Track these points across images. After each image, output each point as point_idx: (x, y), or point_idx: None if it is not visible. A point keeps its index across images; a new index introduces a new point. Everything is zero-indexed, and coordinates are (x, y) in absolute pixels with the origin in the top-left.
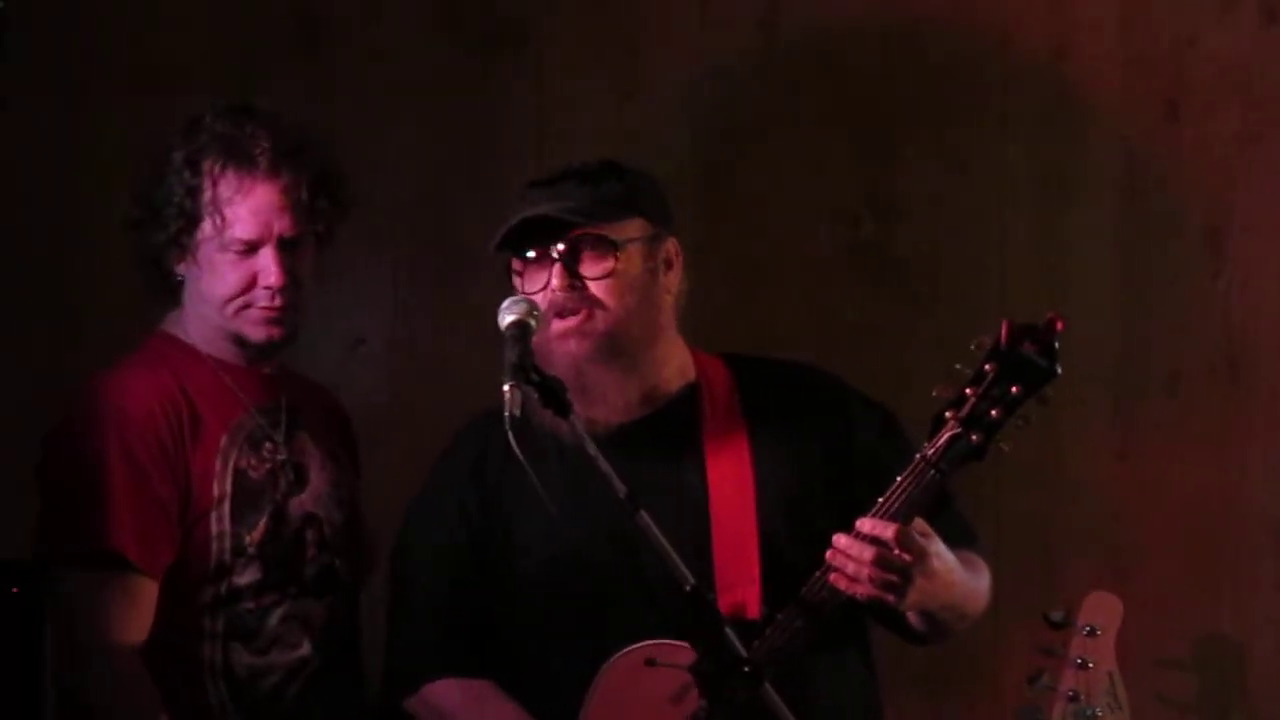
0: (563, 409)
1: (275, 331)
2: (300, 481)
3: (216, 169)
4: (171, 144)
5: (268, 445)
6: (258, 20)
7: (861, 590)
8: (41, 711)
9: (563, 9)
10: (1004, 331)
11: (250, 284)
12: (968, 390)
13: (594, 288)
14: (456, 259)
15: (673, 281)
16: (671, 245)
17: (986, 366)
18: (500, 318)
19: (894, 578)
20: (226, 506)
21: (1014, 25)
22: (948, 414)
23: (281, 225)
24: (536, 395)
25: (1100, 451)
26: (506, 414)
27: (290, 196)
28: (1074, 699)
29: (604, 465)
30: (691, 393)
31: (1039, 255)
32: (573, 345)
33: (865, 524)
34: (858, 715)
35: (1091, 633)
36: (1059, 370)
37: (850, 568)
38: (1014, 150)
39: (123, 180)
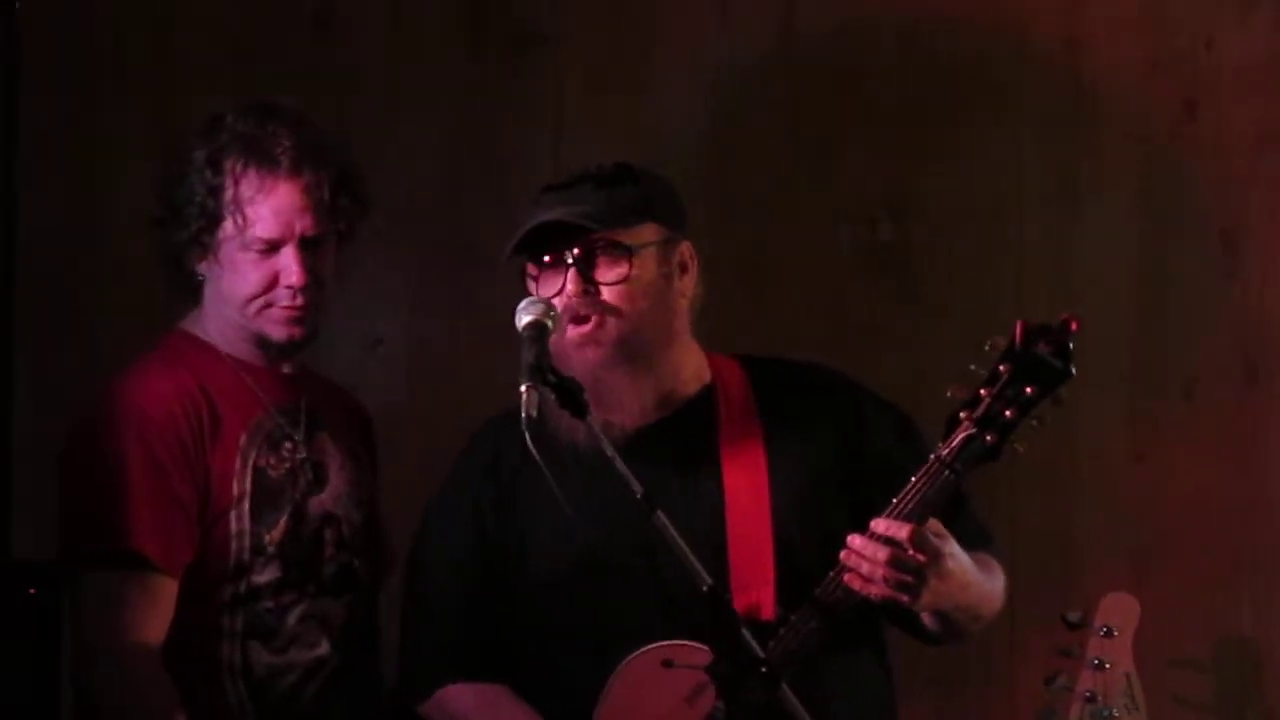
0: (580, 410)
1: (296, 331)
2: (320, 481)
3: (238, 168)
4: (193, 143)
5: (287, 444)
6: (277, 21)
7: (876, 591)
8: (59, 712)
9: (580, 11)
10: (1018, 332)
11: (272, 283)
12: (982, 391)
13: (608, 293)
14: (473, 260)
15: (687, 285)
16: (686, 249)
17: (1001, 367)
18: (517, 318)
19: (908, 578)
20: (246, 505)
21: (1031, 26)
22: (962, 414)
23: (303, 224)
24: (553, 396)
25: (1117, 453)
26: (523, 415)
27: (312, 196)
28: (1091, 700)
29: (621, 466)
30: (707, 395)
31: (1055, 256)
32: (589, 353)
33: (880, 524)
34: (872, 716)
35: (1108, 633)
36: (1073, 371)
37: (865, 568)
38: (1030, 151)
39: (140, 179)
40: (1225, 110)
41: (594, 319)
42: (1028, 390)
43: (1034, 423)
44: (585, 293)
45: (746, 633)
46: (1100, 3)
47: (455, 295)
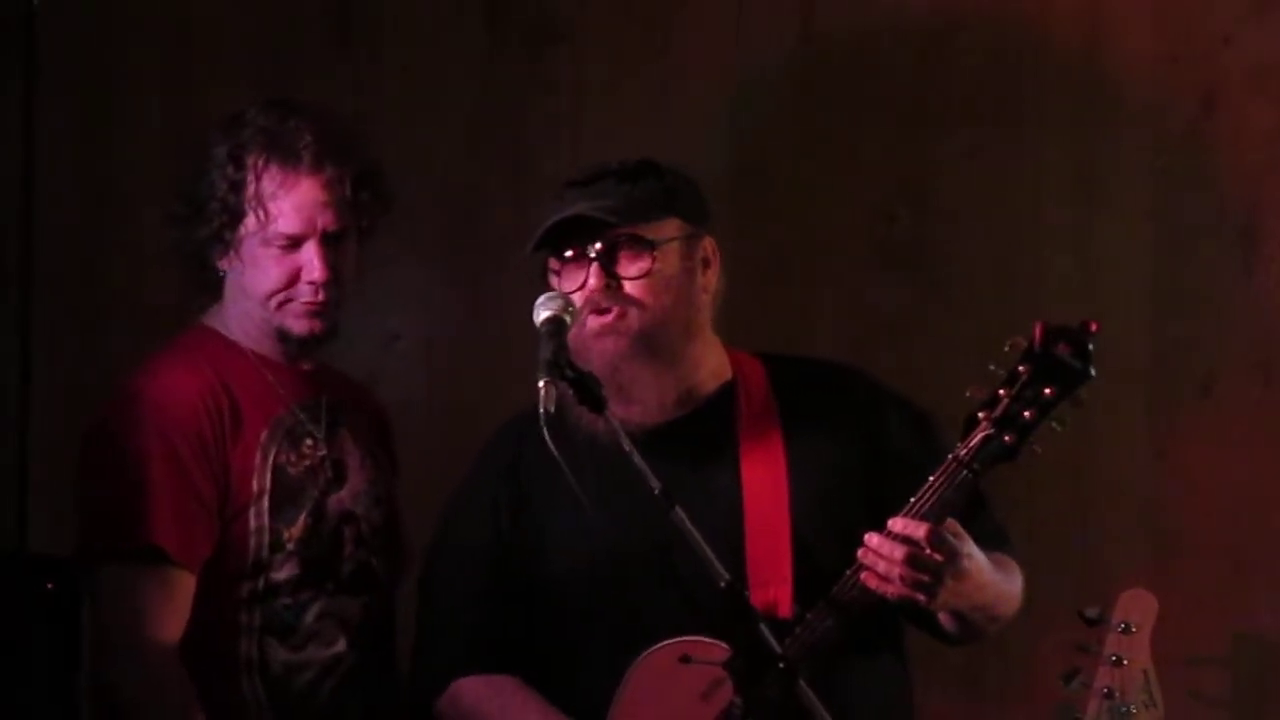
0: (597, 405)
1: (317, 325)
2: (339, 479)
3: (260, 163)
4: (214, 138)
5: (308, 442)
6: (295, 16)
7: (892, 590)
8: (77, 705)
9: (599, 7)
10: (1038, 333)
11: (293, 279)
12: (1001, 391)
13: (630, 287)
14: (491, 256)
15: (710, 280)
16: (708, 244)
17: (1020, 368)
18: (535, 314)
19: (925, 577)
20: (265, 502)
21: (1049, 23)
22: (981, 414)
23: (325, 220)
24: (571, 391)
25: (1135, 450)
26: (541, 410)
27: (334, 191)
28: (1109, 696)
29: (639, 461)
30: (728, 392)
31: (1073, 253)
32: (609, 343)
33: (897, 523)
34: (890, 713)
35: (1126, 630)
36: (1093, 373)
37: (881, 566)
38: (1048, 148)
39: (157, 176)
40: (1243, 107)
41: (615, 310)
42: (1047, 391)
43: (1054, 425)
44: (608, 287)
45: (764, 628)
46: (1117, 0)
47: (473, 291)
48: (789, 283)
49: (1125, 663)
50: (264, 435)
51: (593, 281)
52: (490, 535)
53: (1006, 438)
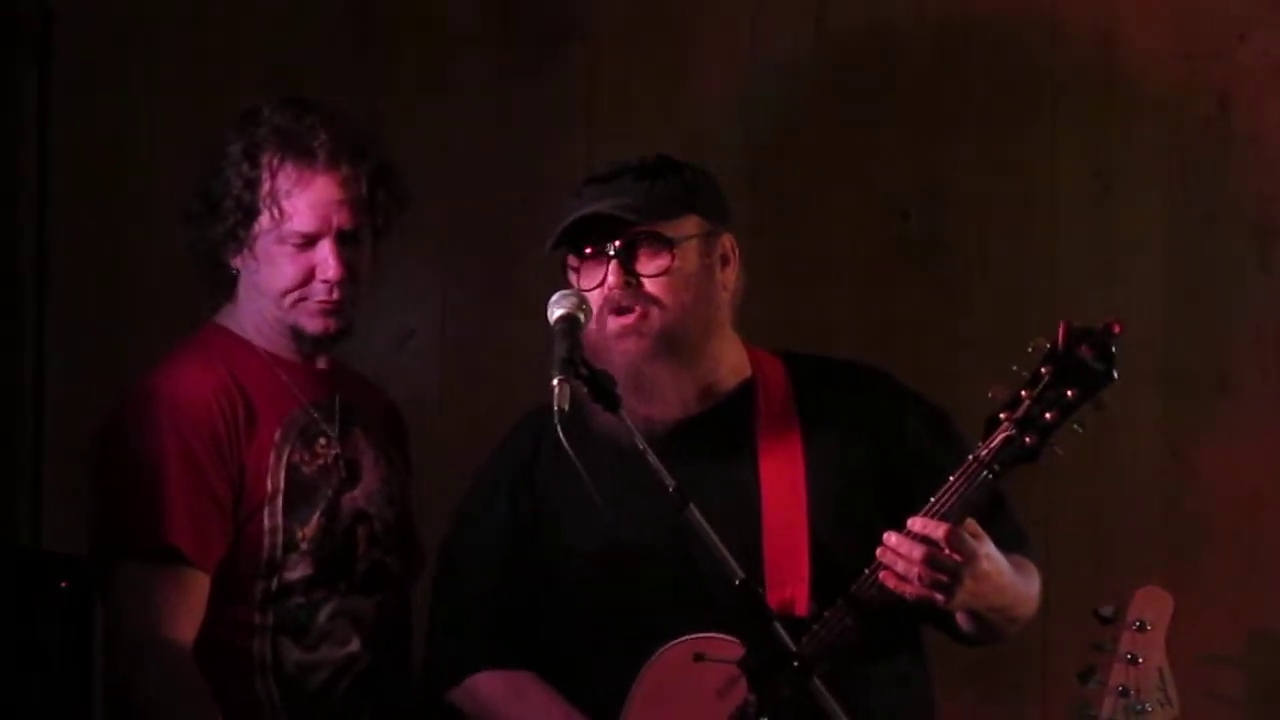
0: (611, 403)
1: (331, 323)
2: (353, 478)
3: (275, 161)
4: (229, 137)
5: (321, 441)
6: (310, 18)
7: (910, 589)
8: (91, 704)
9: (614, 5)
10: (1061, 334)
11: (308, 277)
12: (1023, 392)
13: (650, 285)
14: (506, 253)
15: (729, 278)
16: (728, 241)
17: (1043, 369)
18: (549, 312)
19: (943, 577)
20: (279, 502)
21: (1064, 19)
22: (1002, 415)
23: (340, 218)
24: (585, 389)
25: (1150, 448)
26: (555, 408)
27: (349, 190)
28: (1124, 694)
29: (653, 459)
30: (747, 390)
31: (1088, 250)
32: (631, 344)
33: (916, 523)
34: (909, 713)
35: (1141, 628)
36: (1116, 375)
37: (900, 566)
38: (1063, 145)
39: (171, 175)
40: (1259, 103)
41: (637, 310)
42: (1069, 393)
43: (1075, 427)
44: (627, 284)
45: (779, 626)
46: None
47: (487, 289)
48: (803, 281)
49: (1140, 661)
50: (278, 434)
51: (611, 279)
52: (507, 529)
53: (1028, 439)
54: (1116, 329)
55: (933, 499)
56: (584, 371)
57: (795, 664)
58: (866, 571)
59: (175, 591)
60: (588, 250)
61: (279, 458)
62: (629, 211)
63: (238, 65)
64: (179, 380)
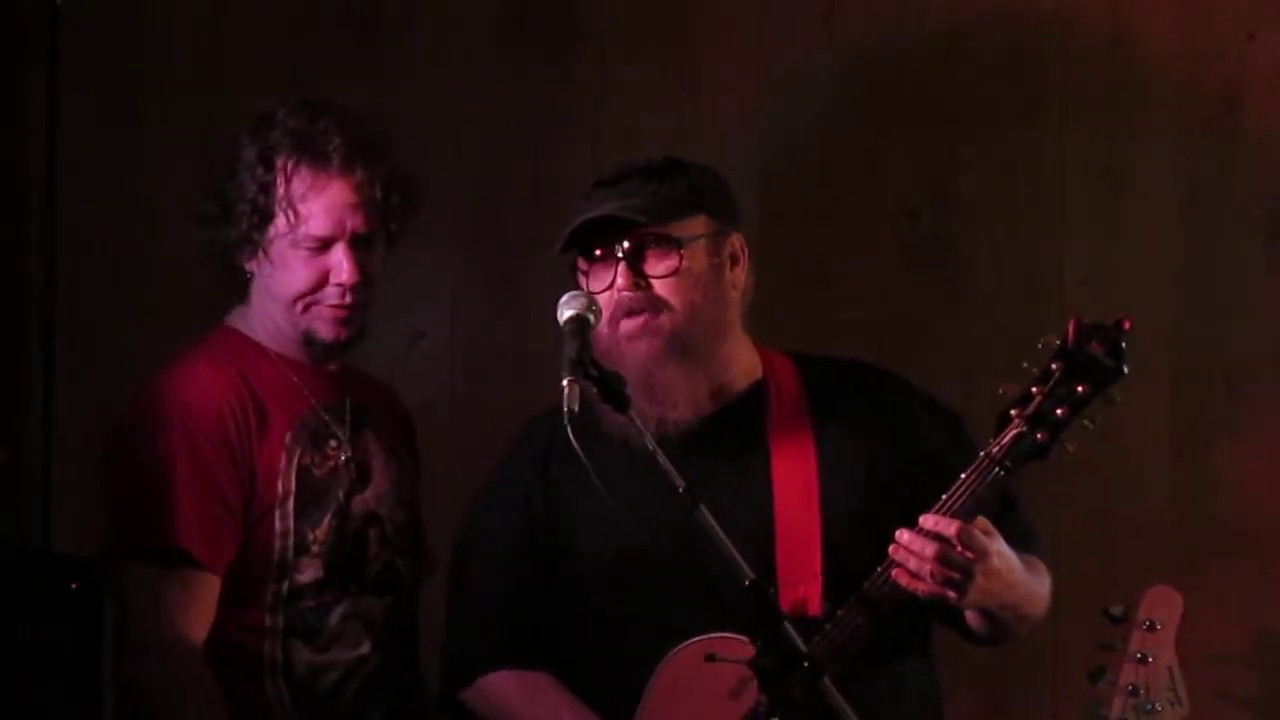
0: (621, 404)
1: (343, 332)
2: (364, 480)
3: (290, 165)
4: (243, 140)
5: (332, 443)
6: (321, 20)
7: (923, 587)
8: (101, 707)
9: (624, 6)
10: (1071, 330)
11: (321, 281)
12: (1034, 389)
13: (659, 286)
14: (516, 255)
15: (739, 277)
16: (737, 241)
17: (1053, 365)
18: (559, 313)
19: (956, 575)
20: (290, 504)
21: (1072, 20)
22: (1013, 412)
23: (354, 222)
24: (595, 390)
25: (1159, 447)
26: (565, 409)
27: (363, 193)
28: (1134, 693)
29: (663, 459)
30: (758, 390)
31: (1098, 251)
32: (642, 346)
33: (928, 520)
34: (918, 712)
35: (1151, 627)
36: (1126, 370)
37: (912, 563)
38: (1072, 146)
39: (181, 177)
40: (1267, 104)
41: (647, 313)
42: (1079, 389)
43: (1086, 423)
44: (636, 286)
45: (789, 627)
46: None
47: (497, 290)
48: (812, 281)
49: (1150, 660)
50: (289, 437)
51: (620, 281)
52: (521, 527)
53: (1039, 435)
54: (1127, 325)
55: (944, 496)
56: (594, 372)
57: (806, 665)
58: (879, 569)
59: (185, 593)
60: (597, 252)
61: (290, 460)
62: (636, 213)
63: (247, 67)
64: (190, 382)
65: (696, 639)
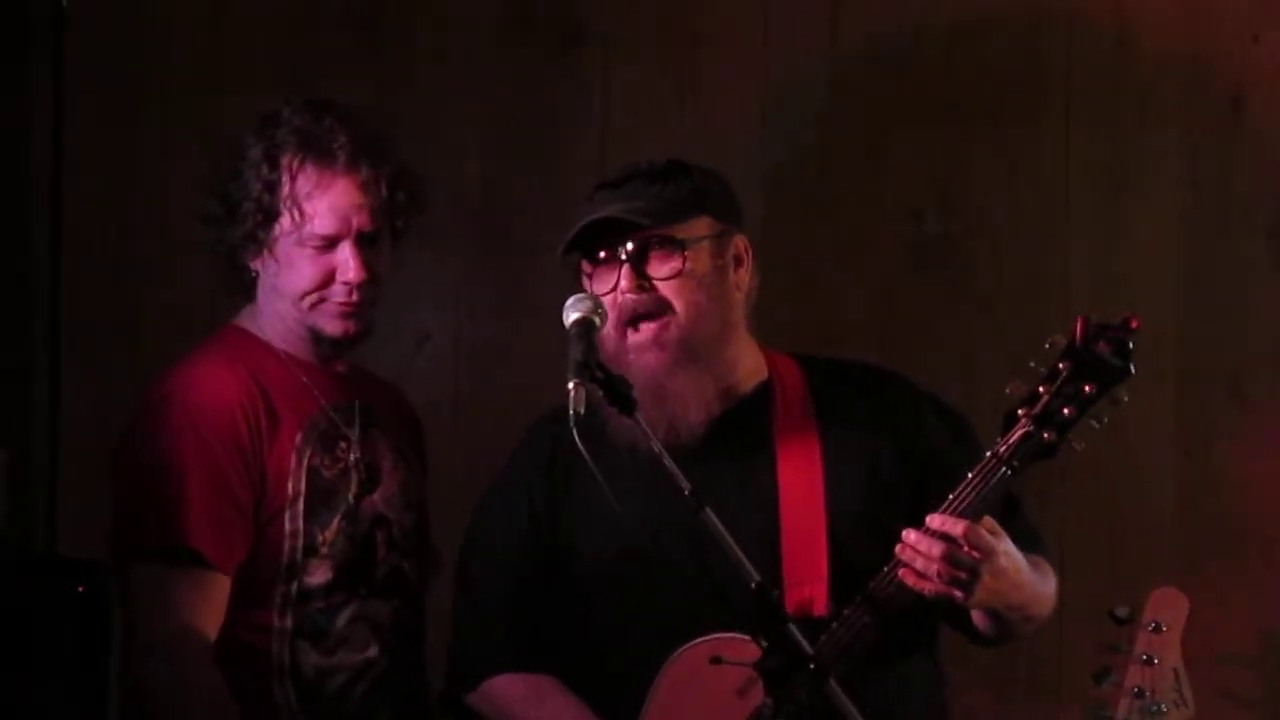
0: (627, 406)
1: (351, 326)
2: (373, 482)
3: (295, 163)
4: (249, 139)
5: (341, 444)
6: (323, 19)
7: (929, 587)
8: (107, 708)
9: (626, 8)
10: (1078, 329)
11: (328, 279)
12: (1041, 388)
13: (662, 288)
14: (521, 256)
15: (743, 279)
16: (740, 242)
17: (1060, 364)
18: (564, 315)
19: (962, 574)
20: (300, 505)
21: (1077, 21)
22: (1020, 411)
23: (360, 220)
24: (600, 393)
25: (1164, 449)
26: (570, 412)
27: (369, 192)
28: (1139, 695)
29: (669, 462)
30: (764, 391)
31: (1102, 251)
32: (652, 357)
33: (935, 520)
34: (924, 713)
35: (1157, 629)
36: (1133, 370)
37: (919, 563)
38: (1077, 146)
39: (186, 177)
40: (1272, 105)
41: (657, 321)
42: (1086, 389)
43: (1092, 423)
44: (640, 288)
45: (794, 629)
46: None
47: (502, 291)
48: (818, 282)
49: (1156, 661)
50: (299, 437)
51: (624, 283)
52: (526, 529)
53: (1046, 435)
54: (1134, 324)
55: (951, 496)
56: (599, 375)
57: (811, 666)
58: (885, 570)
59: (195, 594)
60: (600, 255)
61: (300, 461)
62: (639, 215)
63: (247, 67)
64: (201, 382)
65: (700, 640)
